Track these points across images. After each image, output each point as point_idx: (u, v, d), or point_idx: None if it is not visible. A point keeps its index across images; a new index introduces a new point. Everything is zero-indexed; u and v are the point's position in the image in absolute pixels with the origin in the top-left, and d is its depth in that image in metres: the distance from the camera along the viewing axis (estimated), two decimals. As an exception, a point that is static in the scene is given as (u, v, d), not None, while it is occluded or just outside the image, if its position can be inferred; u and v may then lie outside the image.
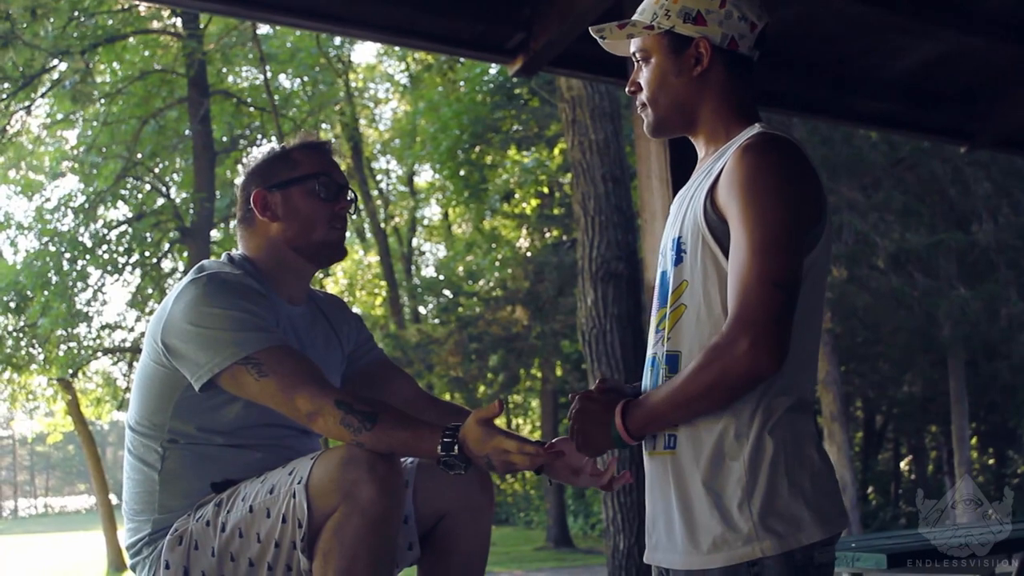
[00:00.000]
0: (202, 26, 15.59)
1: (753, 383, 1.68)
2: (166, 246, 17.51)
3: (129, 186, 17.09)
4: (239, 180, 2.33)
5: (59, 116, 16.83)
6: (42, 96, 15.81)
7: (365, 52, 45.51)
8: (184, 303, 2.06)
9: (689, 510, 1.74)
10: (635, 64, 1.93)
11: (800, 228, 1.71)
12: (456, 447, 1.91)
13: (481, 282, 19.82)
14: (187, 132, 16.62)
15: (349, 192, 2.32)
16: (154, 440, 2.12)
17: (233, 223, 15.58)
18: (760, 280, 1.64)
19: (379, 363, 2.48)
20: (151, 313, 14.72)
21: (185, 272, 2.35)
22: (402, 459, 2.05)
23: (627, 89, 1.97)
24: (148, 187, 17.58)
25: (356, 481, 1.88)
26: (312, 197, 2.25)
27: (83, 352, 17.07)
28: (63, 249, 16.11)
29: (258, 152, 2.38)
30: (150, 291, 17.25)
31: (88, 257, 16.35)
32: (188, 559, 2.02)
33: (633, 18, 1.91)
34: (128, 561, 2.18)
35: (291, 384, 1.99)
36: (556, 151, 16.73)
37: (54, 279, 15.79)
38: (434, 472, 2.12)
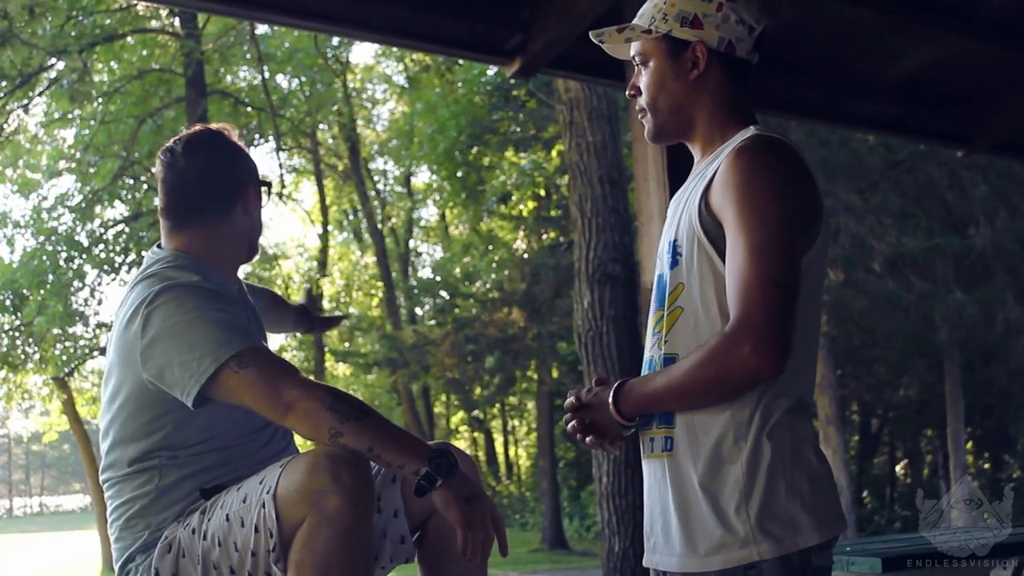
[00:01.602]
0: (200, 26, 15.57)
1: (755, 384, 1.67)
2: (162, 245, 17.43)
3: (126, 185, 17.06)
4: (214, 168, 2.24)
5: (56, 115, 16.78)
6: (40, 95, 15.75)
7: (363, 53, 45.57)
8: (153, 328, 2.00)
9: (686, 513, 1.74)
10: (635, 68, 1.94)
11: (797, 228, 1.70)
12: (442, 477, 1.90)
13: (478, 283, 19.81)
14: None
15: None
16: (151, 463, 2.08)
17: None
18: (761, 280, 1.63)
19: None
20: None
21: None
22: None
23: (627, 93, 1.98)
24: (145, 186, 17.54)
25: (321, 491, 1.84)
26: (261, 199, 2.34)
27: (79, 351, 17.05)
28: (60, 248, 16.08)
29: (228, 139, 2.28)
30: (146, 290, 17.17)
31: (85, 256, 16.32)
32: (176, 567, 2.00)
33: (632, 22, 1.91)
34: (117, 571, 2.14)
35: (273, 372, 1.95)
36: (553, 153, 16.73)
37: (51, 278, 15.77)
38: None
